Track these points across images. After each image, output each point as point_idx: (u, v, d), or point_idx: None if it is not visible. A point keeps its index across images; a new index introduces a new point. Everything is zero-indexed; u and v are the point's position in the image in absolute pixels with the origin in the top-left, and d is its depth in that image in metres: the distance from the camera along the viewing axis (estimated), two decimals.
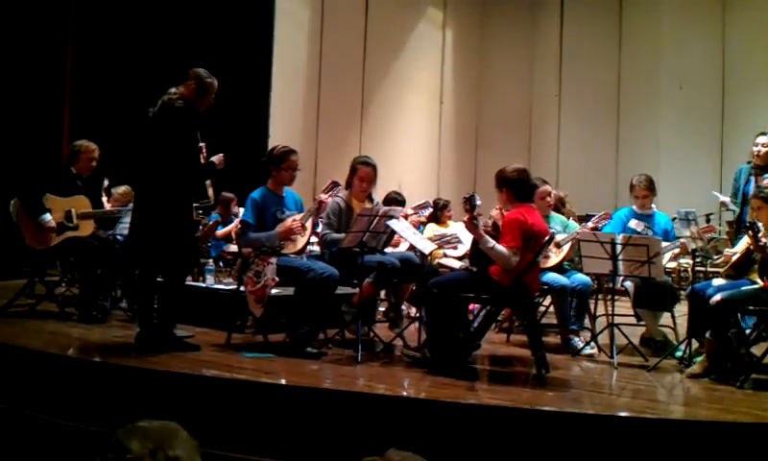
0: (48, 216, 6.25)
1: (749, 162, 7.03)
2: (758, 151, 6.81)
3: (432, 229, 7.72)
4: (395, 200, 7.34)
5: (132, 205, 6.59)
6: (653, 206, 6.35)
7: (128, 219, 6.45)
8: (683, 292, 6.99)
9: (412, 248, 6.19)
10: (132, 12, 10.37)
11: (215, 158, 5.34)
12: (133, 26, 10.36)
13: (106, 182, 7.05)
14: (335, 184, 5.91)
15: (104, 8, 10.15)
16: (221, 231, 8.63)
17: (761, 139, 6.83)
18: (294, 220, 5.55)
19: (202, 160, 5.27)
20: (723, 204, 7.34)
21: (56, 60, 9.70)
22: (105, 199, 6.99)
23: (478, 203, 4.96)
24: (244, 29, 11.14)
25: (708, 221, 7.15)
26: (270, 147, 6.22)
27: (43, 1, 9.37)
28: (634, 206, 6.36)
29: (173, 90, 5.18)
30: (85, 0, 10.03)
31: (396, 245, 6.59)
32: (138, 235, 5.26)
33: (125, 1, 10.34)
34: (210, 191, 5.69)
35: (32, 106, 9.18)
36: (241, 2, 11.12)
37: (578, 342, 5.89)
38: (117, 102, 9.71)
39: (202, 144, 5.26)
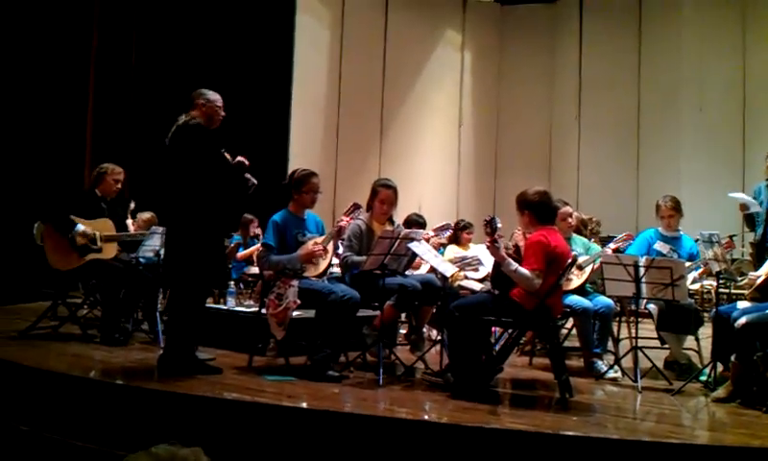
0: (81, 226, 6.30)
1: (767, 179, 6.98)
2: None
3: (453, 250, 7.70)
4: (416, 222, 7.35)
5: (153, 228, 6.67)
6: (680, 229, 6.30)
7: (150, 242, 6.54)
8: (706, 314, 6.91)
9: (433, 270, 6.18)
10: (155, 38, 10.50)
11: (239, 159, 5.36)
12: (155, 52, 10.49)
13: (132, 205, 7.09)
14: (356, 207, 5.93)
15: (126, 32, 10.27)
16: (242, 254, 8.67)
17: None
18: (315, 243, 5.57)
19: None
20: (743, 206, 7.18)
21: (78, 85, 9.81)
22: (130, 221, 7.03)
23: (499, 225, 4.94)
24: (264, 53, 11.24)
25: (730, 238, 7.08)
26: (290, 170, 6.25)
27: (65, 24, 9.49)
28: (660, 228, 6.32)
29: (183, 117, 5.24)
30: (108, 24, 10.15)
31: (417, 267, 6.57)
32: (175, 262, 5.25)
33: (147, 27, 10.46)
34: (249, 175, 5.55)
35: (54, 130, 9.28)
36: (261, 27, 11.24)
37: (601, 365, 5.84)
38: (139, 126, 9.81)
39: (242, 159, 5.29)
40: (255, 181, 5.38)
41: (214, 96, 5.39)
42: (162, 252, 6.14)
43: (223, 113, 5.41)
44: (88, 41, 9.97)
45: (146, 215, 7.36)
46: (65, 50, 9.52)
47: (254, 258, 8.10)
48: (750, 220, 7.09)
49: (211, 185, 5.12)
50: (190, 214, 5.12)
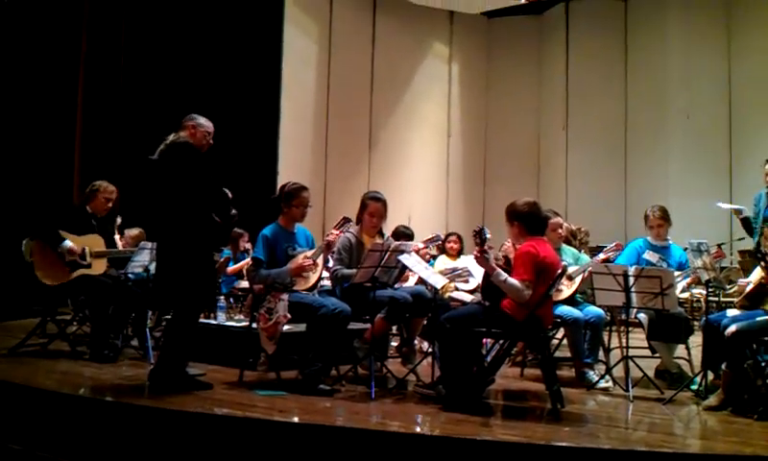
0: (69, 243, 6.28)
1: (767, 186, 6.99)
2: None
3: (443, 262, 7.71)
4: (403, 233, 7.36)
5: (141, 244, 6.65)
6: (668, 238, 6.32)
7: (139, 257, 6.52)
8: (696, 323, 6.94)
9: (422, 282, 6.18)
10: (143, 52, 10.50)
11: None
12: (144, 66, 10.49)
13: (118, 220, 7.07)
14: (346, 220, 5.93)
15: (114, 47, 10.27)
16: (232, 268, 8.65)
17: None
18: (305, 257, 5.56)
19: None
20: (736, 211, 7.19)
21: (66, 98, 9.80)
22: (117, 237, 7.01)
23: (488, 236, 4.95)
24: (253, 67, 11.26)
25: (718, 247, 7.10)
26: (279, 184, 6.25)
27: (53, 40, 9.47)
28: (649, 237, 6.34)
29: (172, 136, 5.24)
30: (96, 38, 10.14)
31: (405, 280, 6.57)
32: (166, 280, 5.25)
33: (135, 40, 10.46)
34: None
35: (41, 146, 9.25)
36: (250, 41, 11.25)
37: (593, 375, 5.85)
38: (128, 141, 9.80)
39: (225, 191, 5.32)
40: (236, 212, 5.40)
41: (205, 122, 5.39)
42: (152, 267, 6.11)
43: (211, 141, 5.40)
44: (77, 54, 9.96)
45: (134, 231, 7.34)
46: (54, 62, 9.51)
47: (244, 273, 8.09)
48: (747, 224, 7.09)
49: (201, 202, 5.11)
50: (180, 231, 5.10)
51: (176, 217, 5.12)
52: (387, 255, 5.46)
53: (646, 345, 6.12)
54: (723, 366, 5.01)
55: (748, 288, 5.39)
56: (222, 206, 5.30)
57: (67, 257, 6.26)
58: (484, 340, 5.64)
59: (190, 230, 5.10)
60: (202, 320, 6.83)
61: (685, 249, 6.30)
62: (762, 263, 4.92)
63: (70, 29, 9.81)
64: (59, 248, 6.24)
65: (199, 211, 5.12)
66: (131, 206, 7.33)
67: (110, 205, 6.71)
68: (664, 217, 6.29)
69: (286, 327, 5.42)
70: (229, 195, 5.32)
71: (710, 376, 5.35)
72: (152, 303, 6.62)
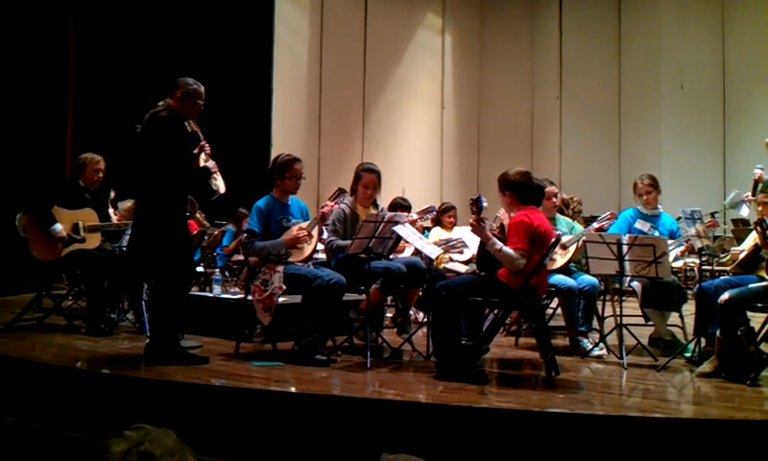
0: (59, 226, 6.28)
1: None
2: None
3: (437, 233, 7.72)
4: (400, 205, 7.37)
5: None
6: (659, 206, 6.33)
7: None
8: (690, 291, 6.97)
9: (417, 253, 6.19)
10: (134, 25, 10.42)
11: (209, 165, 5.34)
12: (135, 38, 10.42)
13: (112, 194, 7.06)
14: (341, 191, 5.93)
15: (105, 22, 10.20)
16: (228, 247, 8.66)
17: None
18: (300, 228, 5.56)
19: (203, 158, 5.27)
20: (744, 199, 7.18)
21: (58, 75, 9.74)
22: (111, 211, 7.00)
23: (485, 205, 4.97)
24: (244, 39, 11.18)
25: (712, 216, 7.13)
26: (272, 156, 6.22)
27: (44, 16, 9.40)
28: (639, 207, 6.35)
29: (160, 103, 5.19)
30: (87, 14, 10.07)
31: (401, 251, 6.58)
32: (137, 248, 5.27)
33: (126, 14, 10.38)
34: (220, 182, 5.53)
35: (34, 120, 9.21)
36: (240, 13, 11.16)
37: (587, 343, 5.88)
38: (120, 114, 9.74)
39: (203, 143, 5.28)
40: (223, 191, 5.37)
41: (197, 88, 5.28)
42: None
43: (202, 107, 5.31)
44: (67, 29, 9.88)
45: (127, 204, 7.30)
46: (44, 39, 9.43)
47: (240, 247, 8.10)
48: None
49: (176, 176, 5.10)
50: (154, 203, 5.10)
51: (150, 189, 5.11)
52: (381, 227, 5.47)
53: (640, 313, 6.16)
54: (717, 333, 5.05)
55: (741, 255, 5.43)
56: (202, 182, 5.30)
57: (56, 238, 6.26)
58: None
59: (164, 203, 5.08)
60: (197, 293, 6.86)
61: (679, 217, 6.32)
62: (758, 228, 4.92)
63: (60, 4, 9.73)
64: (49, 229, 6.24)
65: (174, 185, 5.11)
66: (123, 178, 7.30)
67: (101, 175, 6.67)
68: (653, 184, 6.28)
69: (281, 299, 5.44)
70: (211, 170, 5.28)
71: (703, 342, 5.39)
72: (125, 272, 6.57)
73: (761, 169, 6.97)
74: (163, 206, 5.09)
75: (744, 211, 7.32)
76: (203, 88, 5.31)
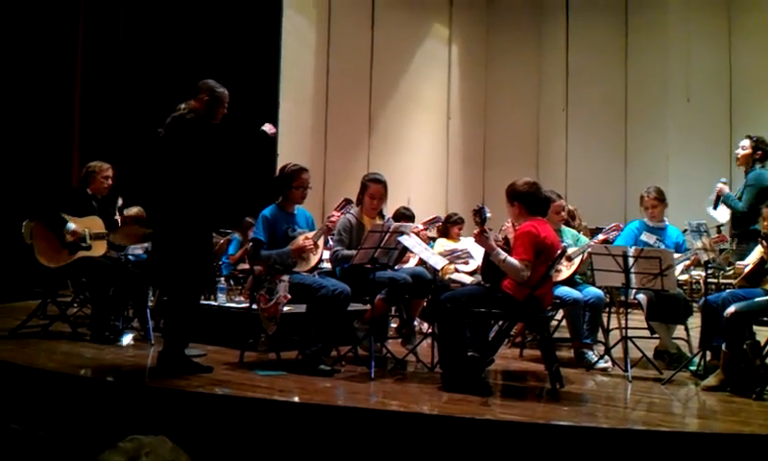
0: (72, 225, 6.28)
1: None
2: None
3: (442, 244, 7.72)
4: (404, 215, 7.36)
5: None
6: (665, 219, 6.32)
7: None
8: (695, 304, 6.95)
9: (422, 263, 6.19)
10: (142, 34, 10.45)
11: (266, 127, 5.34)
12: (143, 47, 10.45)
13: (120, 201, 7.06)
14: (347, 202, 5.93)
15: (113, 30, 10.23)
16: (234, 256, 8.66)
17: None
18: (306, 238, 5.56)
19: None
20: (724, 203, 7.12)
21: (64, 81, 9.76)
22: (118, 218, 7.01)
23: (488, 215, 4.96)
24: (252, 50, 11.20)
25: (719, 232, 7.09)
26: (279, 166, 6.23)
27: (51, 23, 9.43)
28: (645, 219, 6.34)
29: (182, 106, 5.13)
30: (95, 22, 10.10)
31: (406, 262, 6.58)
32: (161, 258, 5.23)
33: (134, 23, 10.42)
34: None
35: (41, 128, 9.22)
36: (249, 24, 11.19)
37: (592, 356, 5.86)
38: (127, 120, 9.78)
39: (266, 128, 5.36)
40: (273, 130, 5.50)
41: (223, 91, 5.27)
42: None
43: (226, 110, 5.30)
44: (75, 37, 9.91)
45: (133, 210, 7.31)
46: (51, 46, 9.46)
47: (245, 256, 8.09)
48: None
49: (203, 181, 5.06)
50: (179, 210, 5.04)
51: (176, 193, 5.05)
52: (387, 237, 5.47)
53: (645, 325, 6.13)
54: (723, 346, 5.03)
55: (746, 269, 5.41)
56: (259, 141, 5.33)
57: (68, 239, 6.25)
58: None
59: (189, 210, 5.03)
60: (202, 301, 6.86)
61: (684, 230, 6.31)
62: (764, 243, 4.92)
63: (68, 8, 9.76)
64: (62, 230, 6.24)
65: (200, 190, 5.06)
66: (131, 185, 7.31)
67: (110, 182, 6.68)
68: (659, 198, 6.28)
69: (286, 308, 5.44)
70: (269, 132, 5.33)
71: (708, 355, 5.37)
72: (149, 281, 6.59)
73: (724, 183, 6.92)
74: (189, 211, 5.04)
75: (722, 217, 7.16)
76: (227, 93, 5.30)
